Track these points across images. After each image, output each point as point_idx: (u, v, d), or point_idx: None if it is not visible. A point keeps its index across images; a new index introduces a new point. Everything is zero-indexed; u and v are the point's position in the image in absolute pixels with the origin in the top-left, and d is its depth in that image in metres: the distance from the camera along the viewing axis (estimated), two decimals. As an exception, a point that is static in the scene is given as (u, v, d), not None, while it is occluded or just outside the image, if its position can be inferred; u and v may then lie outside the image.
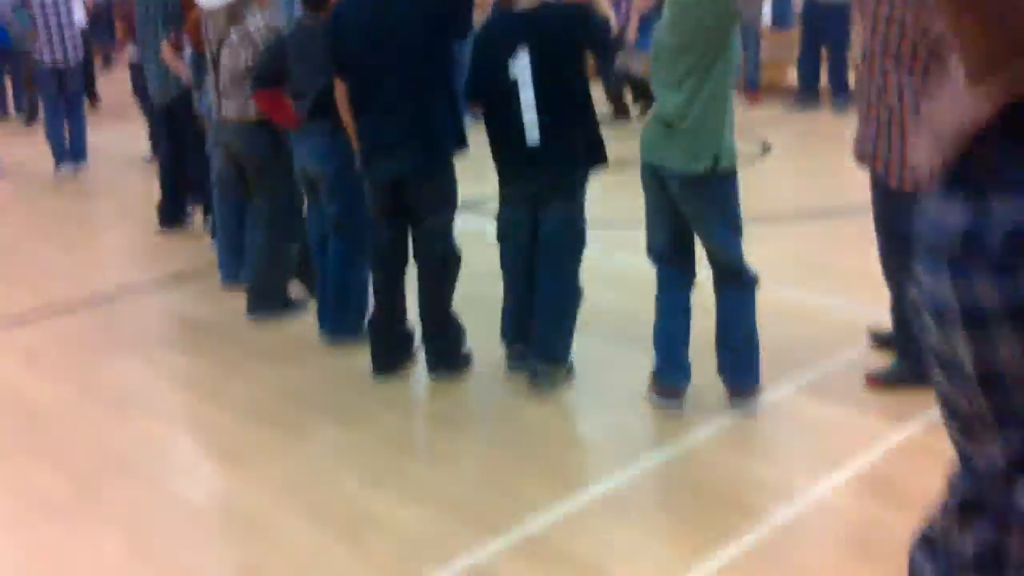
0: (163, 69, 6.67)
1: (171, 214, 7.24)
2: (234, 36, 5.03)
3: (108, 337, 5.36)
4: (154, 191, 7.63)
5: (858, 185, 4.49)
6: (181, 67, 6.37)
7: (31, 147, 10.28)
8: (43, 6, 8.64)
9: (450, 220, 4.45)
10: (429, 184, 4.35)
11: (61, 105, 8.97)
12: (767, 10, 10.92)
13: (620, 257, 5.64)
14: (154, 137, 9.18)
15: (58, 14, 8.71)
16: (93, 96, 12.04)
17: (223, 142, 5.34)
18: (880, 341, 4.46)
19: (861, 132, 3.97)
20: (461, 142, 4.36)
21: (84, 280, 6.30)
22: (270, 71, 4.81)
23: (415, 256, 4.49)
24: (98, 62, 11.54)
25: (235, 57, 5.05)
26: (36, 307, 5.83)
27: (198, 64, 5.85)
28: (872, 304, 4.67)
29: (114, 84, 12.65)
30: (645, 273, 4.16)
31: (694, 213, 3.84)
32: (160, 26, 6.51)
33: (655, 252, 4.03)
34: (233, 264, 5.90)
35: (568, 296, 4.34)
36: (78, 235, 7.37)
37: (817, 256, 5.88)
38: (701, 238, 3.89)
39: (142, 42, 6.83)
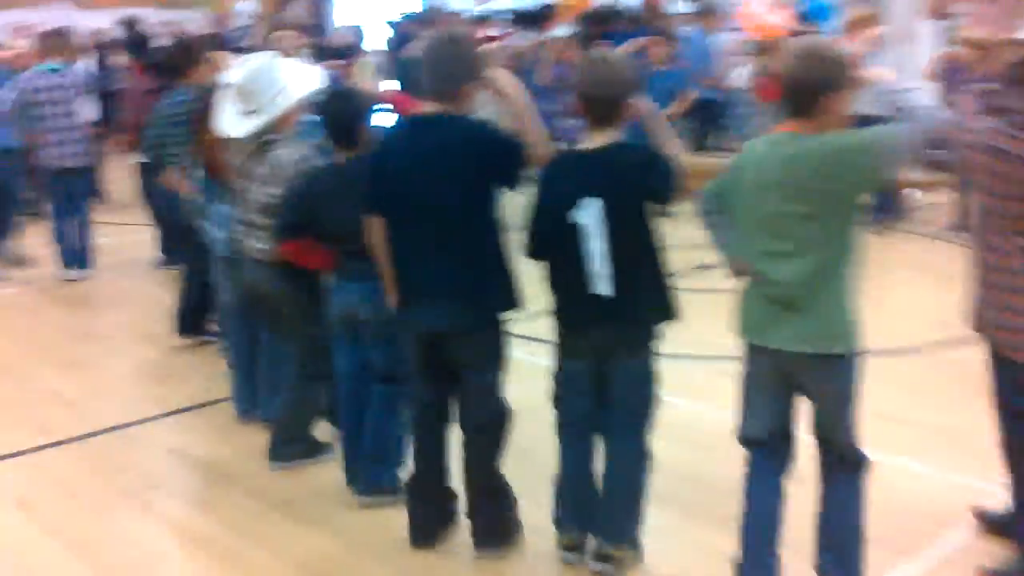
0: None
1: (192, 324, 6.79)
2: (262, 169, 4.56)
3: (109, 481, 4.84)
4: (164, 302, 7.24)
5: (910, 318, 4.00)
6: (187, 190, 5.99)
7: (34, 248, 9.81)
8: (52, 104, 8.22)
9: (498, 379, 3.97)
10: (473, 340, 3.89)
11: (67, 209, 8.52)
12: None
13: (682, 403, 5.10)
14: (171, 245, 8.78)
15: (68, 114, 8.29)
16: (99, 195, 11.56)
17: (248, 280, 4.84)
18: (990, 525, 3.95)
19: (979, 299, 3.52)
20: (512, 301, 3.89)
21: (85, 408, 5.78)
22: (296, 219, 4.36)
23: (459, 417, 4.00)
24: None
25: (264, 193, 4.56)
26: (30, 441, 5.31)
27: (209, 190, 5.39)
28: (956, 469, 4.16)
29: (118, 177, 12.22)
30: (711, 423, 3.66)
31: (821, 397, 3.36)
32: (179, 147, 6.08)
33: (752, 438, 3.53)
34: (249, 397, 5.42)
35: (641, 467, 3.83)
36: (81, 353, 6.85)
37: (883, 405, 5.37)
38: (821, 423, 3.39)
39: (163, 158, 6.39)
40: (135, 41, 8.72)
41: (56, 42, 8.47)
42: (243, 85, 4.48)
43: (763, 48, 9.63)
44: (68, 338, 7.14)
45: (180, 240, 6.69)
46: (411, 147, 3.80)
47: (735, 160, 3.43)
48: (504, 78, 4.00)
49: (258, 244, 4.63)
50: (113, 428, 5.49)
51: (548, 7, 14.57)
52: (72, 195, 8.53)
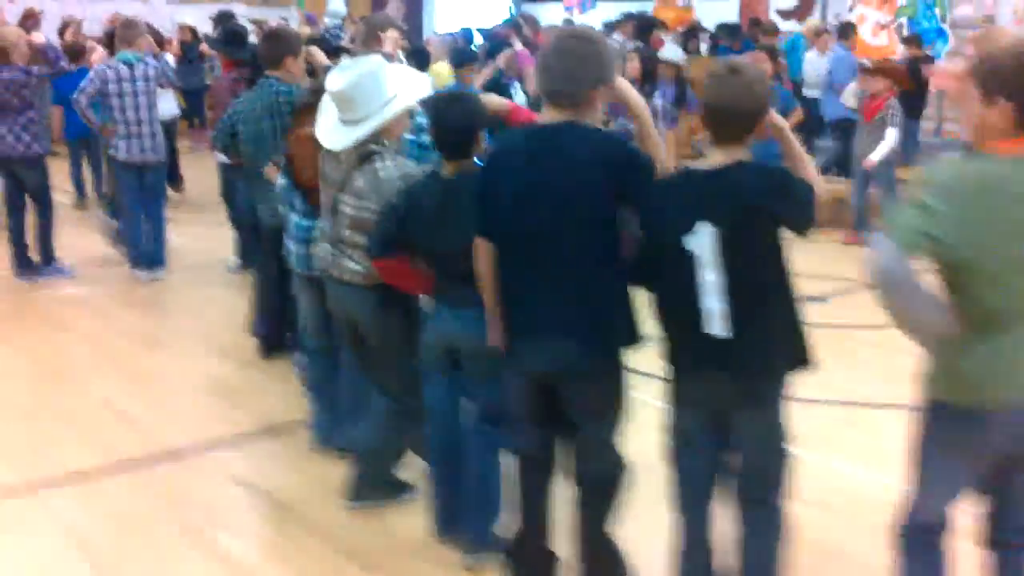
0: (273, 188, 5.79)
1: (271, 344, 6.33)
2: (361, 182, 4.04)
3: (170, 515, 4.37)
4: (240, 310, 6.82)
5: None
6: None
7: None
8: (120, 96, 7.83)
9: (616, 429, 3.43)
10: (591, 384, 3.35)
11: (140, 204, 8.12)
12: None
13: (809, 457, 4.47)
14: (251, 252, 8.32)
15: (137, 107, 7.88)
16: (178, 183, 11.23)
17: (334, 301, 4.33)
18: None
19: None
20: (633, 337, 3.35)
21: (148, 428, 5.32)
22: (394, 234, 3.84)
23: (573, 471, 3.46)
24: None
25: (361, 208, 4.04)
26: (87, 460, 4.87)
27: (289, 199, 4.89)
28: None
29: (198, 173, 11.85)
30: (843, 480, 3.07)
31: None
32: (273, 140, 5.61)
33: (926, 524, 2.94)
34: (327, 424, 4.92)
35: (777, 540, 3.25)
36: (147, 363, 6.41)
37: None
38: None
39: (248, 154, 5.92)
40: (228, 37, 8.22)
41: (128, 33, 8.07)
42: (346, 91, 3.96)
43: (874, 69, 9.04)
44: (135, 345, 6.70)
45: (257, 245, 6.22)
46: (528, 162, 3.26)
47: (939, 187, 2.77)
48: (626, 86, 3.48)
49: (350, 263, 4.11)
50: (177, 452, 5.02)
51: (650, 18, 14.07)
52: (144, 191, 8.12)
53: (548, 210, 3.21)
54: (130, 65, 7.86)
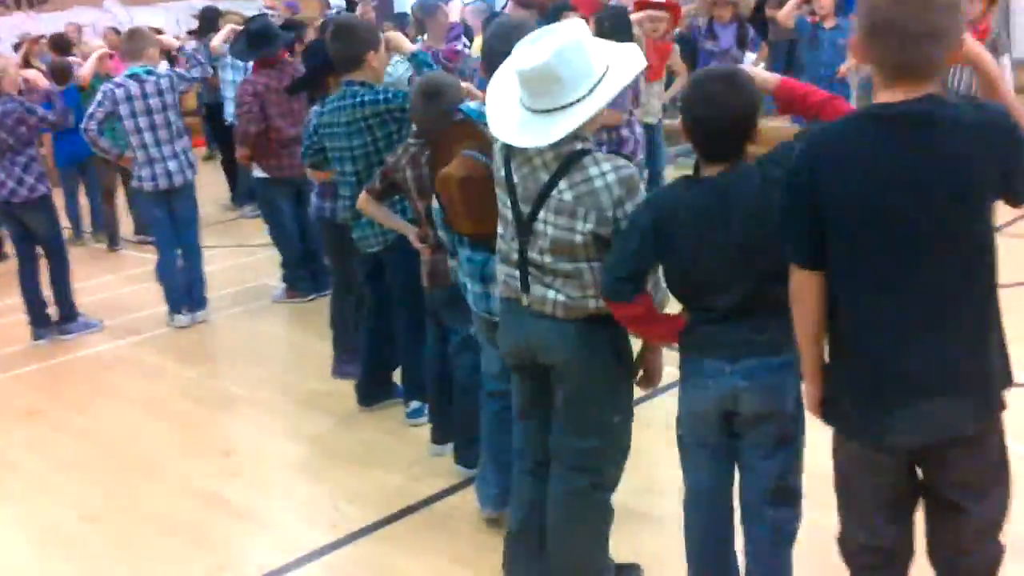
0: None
1: (373, 391, 5.39)
2: (568, 195, 3.04)
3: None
4: (305, 347, 6.08)
5: None
6: (396, 221, 4.61)
7: (124, 282, 8.42)
8: (134, 117, 6.76)
9: (1004, 507, 2.55)
10: (977, 451, 2.49)
11: (174, 237, 7.08)
12: None
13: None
14: (299, 274, 7.36)
15: (154, 127, 6.80)
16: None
17: (525, 342, 3.32)
18: None
19: None
20: (1009, 378, 2.50)
21: (264, 528, 4.37)
22: (644, 269, 2.92)
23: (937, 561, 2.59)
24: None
25: (567, 228, 3.05)
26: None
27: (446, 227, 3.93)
28: None
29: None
30: None
31: None
32: (367, 165, 4.66)
33: None
34: (500, 486, 4.01)
35: None
36: (232, 432, 5.43)
37: None
38: None
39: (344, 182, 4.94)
40: (257, 39, 7.09)
41: (134, 45, 6.98)
42: (547, 69, 2.92)
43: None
44: (207, 409, 5.70)
45: (372, 281, 5.24)
46: (887, 156, 2.34)
47: None
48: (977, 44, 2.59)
49: (548, 293, 3.15)
50: (318, 553, 4.08)
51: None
52: (176, 221, 7.07)
53: (927, 218, 2.30)
54: (140, 80, 6.79)
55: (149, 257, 8.94)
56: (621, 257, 2.95)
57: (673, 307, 3.05)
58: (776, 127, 7.49)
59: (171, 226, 7.05)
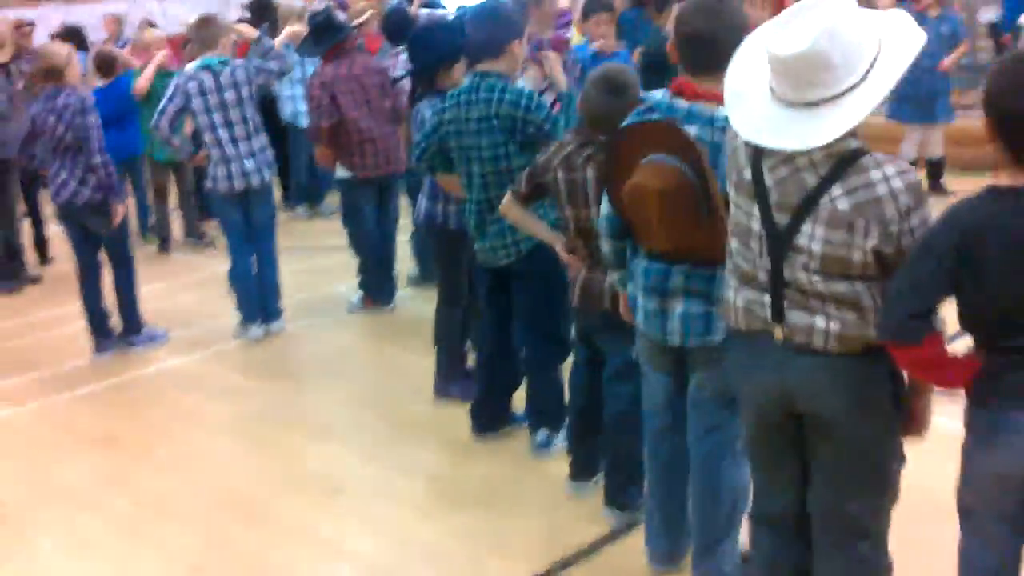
0: (492, 215, 4.30)
1: (491, 417, 4.86)
2: (845, 203, 2.43)
3: None
4: (406, 363, 5.56)
5: None
6: (544, 230, 4.14)
7: (179, 289, 7.86)
8: (208, 113, 6.22)
9: None
10: None
11: (248, 243, 6.54)
12: None
13: None
14: (378, 287, 6.82)
15: (229, 123, 6.26)
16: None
17: (778, 384, 2.72)
18: None
19: None
20: None
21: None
22: (940, 296, 2.39)
23: None
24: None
25: (843, 243, 2.48)
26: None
27: (620, 234, 3.37)
28: None
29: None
30: None
31: None
32: (496, 171, 4.17)
33: None
34: (674, 539, 3.51)
35: None
36: (332, 466, 4.86)
37: None
38: None
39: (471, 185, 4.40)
40: (321, 30, 6.55)
41: (206, 34, 6.43)
42: (811, 58, 2.35)
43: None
44: (299, 436, 5.14)
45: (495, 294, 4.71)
46: None
47: None
48: None
49: (820, 322, 2.57)
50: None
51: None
52: (252, 225, 6.53)
53: None
54: (214, 72, 6.24)
55: (203, 261, 8.51)
56: (911, 288, 2.40)
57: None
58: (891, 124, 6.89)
59: (244, 231, 6.51)
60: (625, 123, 3.29)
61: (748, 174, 2.64)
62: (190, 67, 6.41)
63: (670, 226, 3.07)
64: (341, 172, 6.65)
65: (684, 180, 3.00)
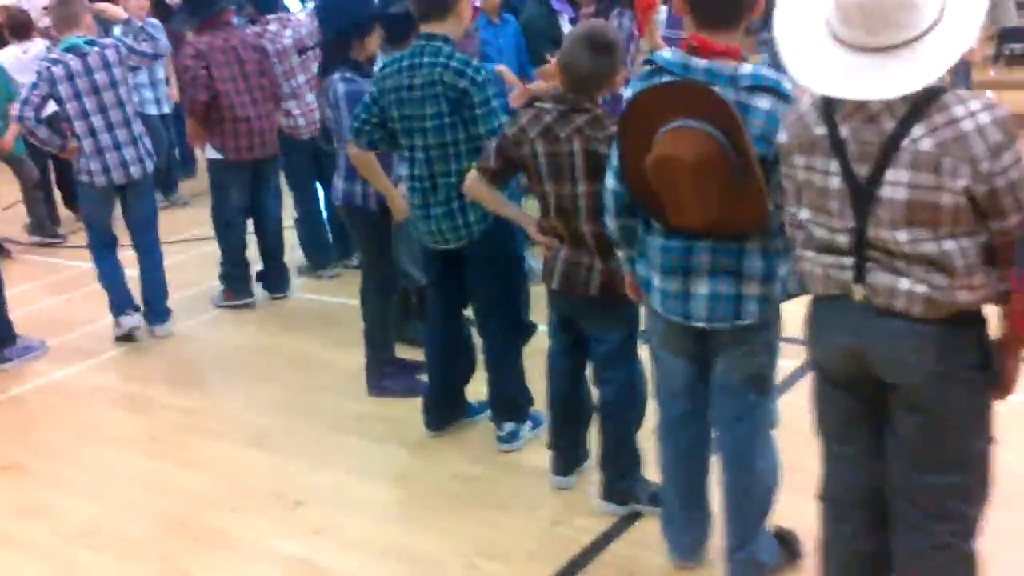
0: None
1: (446, 411, 4.58)
2: (927, 143, 2.28)
3: None
4: (321, 358, 4.95)
5: None
6: (513, 210, 3.92)
7: (45, 292, 7.21)
8: (78, 98, 5.65)
9: None
10: None
11: (113, 236, 6.06)
12: None
13: None
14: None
15: (103, 109, 5.68)
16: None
17: (854, 354, 2.52)
18: None
19: None
20: None
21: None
22: None
23: None
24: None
25: (928, 187, 2.31)
26: None
27: (631, 209, 3.15)
28: None
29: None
30: None
31: None
32: (453, 144, 3.93)
33: None
34: (696, 531, 3.35)
35: None
36: (260, 480, 4.49)
37: None
38: None
39: (417, 160, 4.06)
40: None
41: (66, 12, 5.80)
42: None
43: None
44: (232, 447, 4.71)
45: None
46: None
47: None
48: None
49: (905, 284, 2.41)
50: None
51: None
52: (130, 220, 6.07)
53: None
54: (81, 54, 5.66)
55: (58, 262, 7.83)
56: None
57: None
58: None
59: (112, 226, 5.97)
60: (635, 87, 3.05)
61: (821, 130, 2.46)
62: (53, 50, 5.81)
63: (703, 200, 2.84)
64: (211, 152, 6.25)
65: (717, 147, 2.77)
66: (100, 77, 5.67)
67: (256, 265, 6.54)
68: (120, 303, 6.03)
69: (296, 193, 6.68)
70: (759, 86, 2.82)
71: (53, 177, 8.81)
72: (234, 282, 6.47)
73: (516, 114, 3.77)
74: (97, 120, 5.68)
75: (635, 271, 3.24)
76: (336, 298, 6.42)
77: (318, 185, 6.68)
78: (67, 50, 5.66)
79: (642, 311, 3.41)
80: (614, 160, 3.11)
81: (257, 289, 6.55)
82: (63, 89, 5.61)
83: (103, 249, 6.01)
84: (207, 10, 6.09)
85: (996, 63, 9.64)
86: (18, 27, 8.29)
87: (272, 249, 6.52)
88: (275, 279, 6.56)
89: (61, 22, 5.80)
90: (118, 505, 4.30)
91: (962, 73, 7.92)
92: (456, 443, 4.48)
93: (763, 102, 2.81)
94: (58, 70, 5.59)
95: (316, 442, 4.65)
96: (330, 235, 6.78)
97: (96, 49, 5.70)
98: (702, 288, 3.00)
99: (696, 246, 2.99)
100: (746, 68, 2.85)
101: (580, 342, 3.82)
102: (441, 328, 4.44)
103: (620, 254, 3.31)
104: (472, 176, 3.77)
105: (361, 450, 4.53)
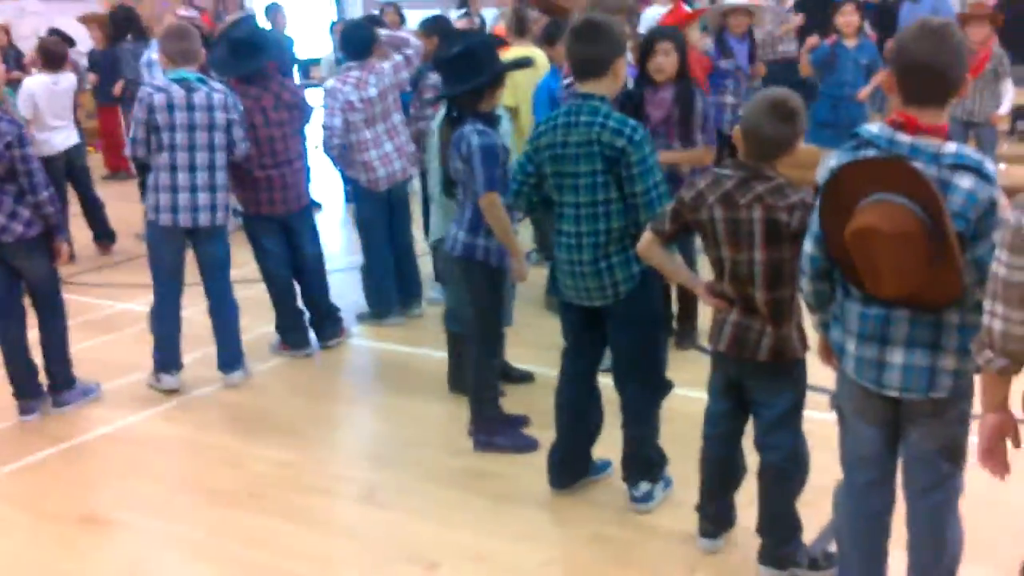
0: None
1: (574, 469, 4.43)
2: None
3: None
4: (409, 416, 4.80)
5: None
6: (685, 273, 3.92)
7: (78, 334, 6.89)
8: (172, 131, 5.50)
9: None
10: None
11: (178, 281, 5.82)
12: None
13: None
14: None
15: (191, 148, 5.54)
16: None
17: None
18: None
19: None
20: None
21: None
22: None
23: None
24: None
25: None
26: None
27: (827, 274, 3.10)
28: None
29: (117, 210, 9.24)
30: None
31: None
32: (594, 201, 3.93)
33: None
34: None
35: None
36: (389, 539, 4.33)
37: None
38: None
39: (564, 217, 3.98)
40: (241, 46, 5.86)
41: (191, 44, 5.68)
42: None
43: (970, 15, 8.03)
44: (346, 504, 4.53)
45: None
46: None
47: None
48: None
49: None
50: None
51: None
52: (203, 264, 5.84)
53: None
54: (189, 88, 5.49)
55: (88, 302, 7.56)
56: None
57: None
58: (810, 149, 7.02)
59: (179, 271, 5.73)
60: (839, 158, 3.03)
61: None
62: (158, 80, 5.60)
63: (900, 272, 2.85)
64: (237, 204, 6.18)
65: (917, 223, 2.78)
66: (200, 116, 5.49)
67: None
68: (167, 359, 5.77)
69: (365, 240, 6.53)
70: (962, 165, 2.84)
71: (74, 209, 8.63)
72: (289, 333, 6.29)
73: (694, 179, 3.73)
74: (182, 157, 5.49)
75: (829, 335, 3.20)
76: (401, 346, 6.27)
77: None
78: (175, 81, 5.49)
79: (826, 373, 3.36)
80: (814, 226, 3.11)
81: (312, 337, 6.36)
82: (160, 117, 5.43)
83: (165, 294, 5.74)
84: (245, 65, 5.92)
85: (1011, 137, 9.87)
86: (51, 58, 8.13)
87: (315, 298, 6.34)
88: (322, 327, 6.37)
89: (178, 56, 5.58)
90: (231, 565, 4.08)
91: (988, 145, 8.08)
92: (584, 502, 4.34)
93: (965, 181, 2.82)
94: (160, 98, 5.42)
95: (432, 498, 4.48)
96: (394, 285, 6.62)
97: (205, 88, 5.53)
98: (897, 358, 2.99)
99: (894, 315, 2.98)
100: (950, 147, 2.87)
101: (743, 406, 3.75)
102: (575, 385, 4.33)
103: (813, 318, 3.29)
104: (646, 238, 3.72)
105: (485, 508, 4.36)
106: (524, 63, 4.97)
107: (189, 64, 5.58)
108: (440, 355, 5.67)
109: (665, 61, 5.43)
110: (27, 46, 11.58)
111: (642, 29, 7.18)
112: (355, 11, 18.12)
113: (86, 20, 11.22)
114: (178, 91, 5.45)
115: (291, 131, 6.00)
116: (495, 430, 4.84)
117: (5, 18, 12.75)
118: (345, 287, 7.03)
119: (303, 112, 6.09)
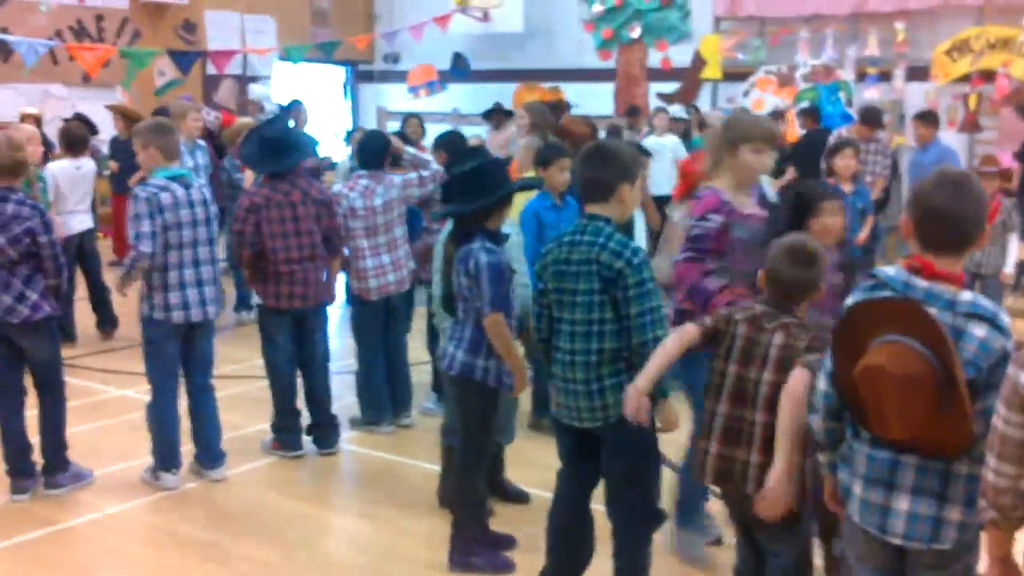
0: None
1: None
2: None
3: None
4: (387, 530, 4.79)
5: None
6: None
7: (71, 419, 6.93)
8: (179, 227, 5.62)
9: None
10: None
11: (176, 380, 5.89)
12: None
13: None
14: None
15: (194, 244, 5.70)
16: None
17: None
18: None
19: None
20: None
21: None
22: None
23: None
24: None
25: None
26: None
27: (838, 414, 3.21)
28: None
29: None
30: None
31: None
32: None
33: None
34: None
35: None
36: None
37: None
38: None
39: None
40: (271, 143, 6.05)
41: (175, 141, 5.84)
42: None
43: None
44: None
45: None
46: None
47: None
48: None
49: None
50: None
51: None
52: (192, 360, 5.89)
53: None
54: (186, 185, 5.65)
55: (84, 385, 7.61)
56: None
57: None
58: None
59: (176, 367, 5.80)
60: (855, 297, 3.14)
61: None
62: (153, 179, 5.74)
63: (906, 415, 2.90)
64: (256, 298, 6.31)
65: (926, 367, 2.85)
66: (200, 211, 5.64)
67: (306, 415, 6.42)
68: (167, 457, 5.79)
69: (360, 347, 6.63)
70: (977, 314, 2.92)
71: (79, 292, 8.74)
72: (284, 434, 6.33)
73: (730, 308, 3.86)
74: (188, 253, 5.61)
75: (836, 476, 3.24)
76: (393, 455, 6.31)
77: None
78: (172, 179, 5.60)
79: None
80: (828, 364, 3.18)
81: (306, 440, 6.39)
82: (169, 216, 5.52)
83: (165, 392, 5.76)
84: (275, 163, 6.09)
85: (1015, 291, 10.02)
86: (73, 142, 8.31)
87: (319, 400, 6.39)
88: (323, 433, 6.40)
89: (165, 152, 5.65)
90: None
91: (994, 297, 8.21)
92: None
93: (978, 330, 2.89)
94: (166, 197, 5.51)
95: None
96: (388, 393, 6.69)
97: (196, 183, 5.69)
98: (903, 504, 3.02)
99: (902, 461, 3.01)
100: (966, 295, 2.94)
101: (759, 555, 3.83)
102: (567, 509, 4.36)
103: (822, 458, 3.33)
104: (688, 330, 3.81)
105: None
106: (534, 184, 5.12)
107: (174, 160, 5.70)
108: (432, 467, 5.71)
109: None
110: (50, 130, 11.83)
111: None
112: (370, 119, 18.48)
113: (113, 108, 11.50)
114: (178, 189, 5.57)
115: (317, 227, 6.11)
116: (472, 551, 4.85)
117: (33, 104, 13.04)
118: (337, 389, 7.07)
119: (327, 210, 6.20)
